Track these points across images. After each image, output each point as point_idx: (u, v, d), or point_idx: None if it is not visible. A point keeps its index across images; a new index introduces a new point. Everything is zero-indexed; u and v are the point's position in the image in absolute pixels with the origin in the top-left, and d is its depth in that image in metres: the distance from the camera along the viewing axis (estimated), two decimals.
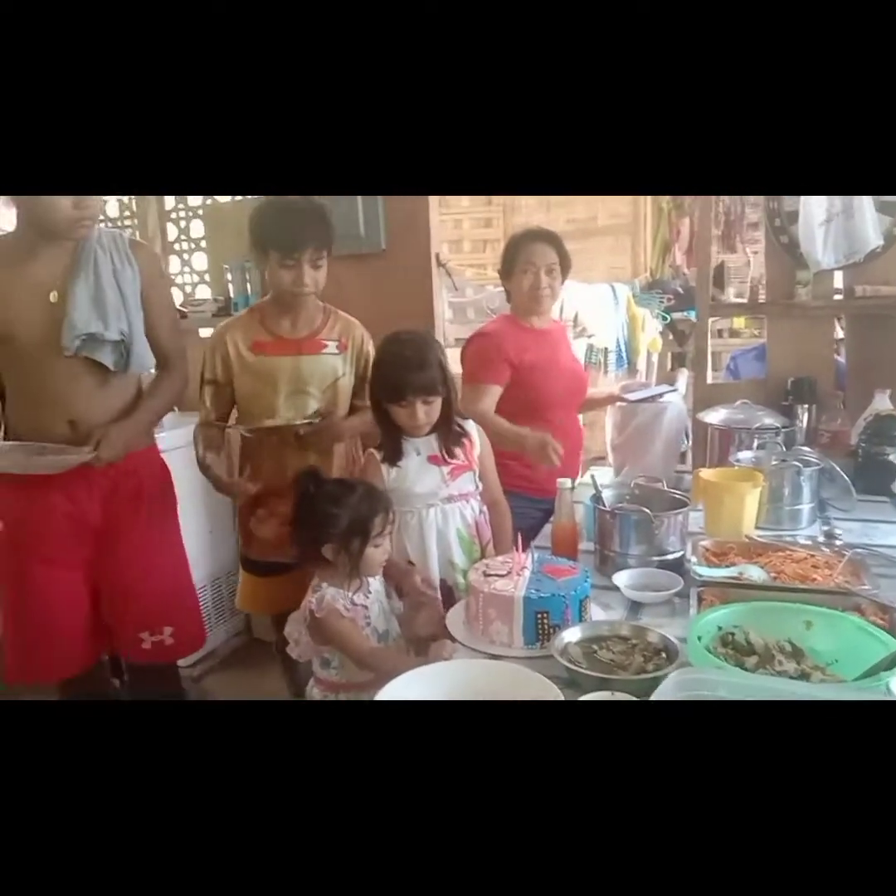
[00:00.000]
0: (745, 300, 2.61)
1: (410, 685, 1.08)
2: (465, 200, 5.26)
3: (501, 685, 1.09)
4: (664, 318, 4.00)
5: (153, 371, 1.87)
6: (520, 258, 2.08)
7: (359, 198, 2.73)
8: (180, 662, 2.79)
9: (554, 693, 1.03)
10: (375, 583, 1.56)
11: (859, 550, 1.57)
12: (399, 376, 1.63)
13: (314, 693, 1.56)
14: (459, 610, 1.46)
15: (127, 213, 3.37)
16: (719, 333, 4.50)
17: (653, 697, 0.87)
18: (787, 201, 2.33)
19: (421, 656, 1.37)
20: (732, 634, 1.17)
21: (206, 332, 3.25)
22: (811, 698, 0.89)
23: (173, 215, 3.30)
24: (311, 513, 1.50)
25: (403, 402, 1.64)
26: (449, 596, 1.68)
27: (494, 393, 2.07)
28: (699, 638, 1.12)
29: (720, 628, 1.18)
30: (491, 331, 2.12)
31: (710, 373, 3.34)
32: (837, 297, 2.35)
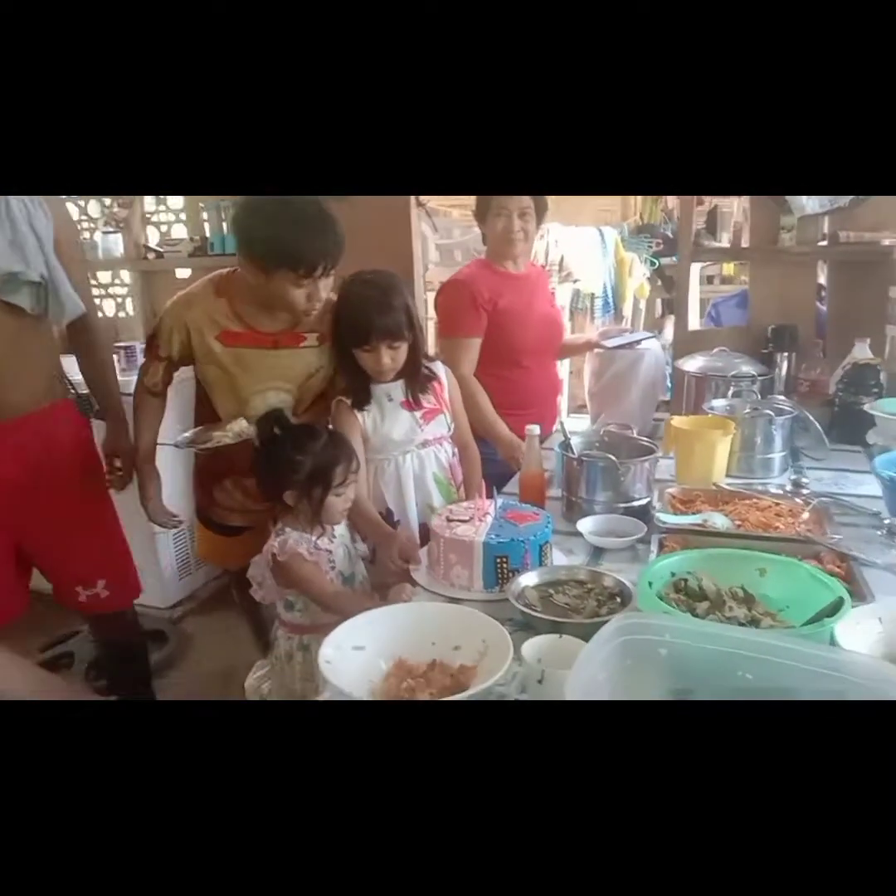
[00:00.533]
0: (727, 245, 2.57)
1: (363, 626, 1.09)
2: None
3: (452, 627, 1.09)
4: (652, 264, 3.94)
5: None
6: (493, 201, 2.02)
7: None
8: (160, 604, 2.84)
9: (502, 636, 1.04)
10: (340, 526, 1.56)
11: (824, 499, 1.57)
12: (363, 319, 1.59)
13: (279, 635, 1.58)
14: (422, 555, 1.47)
15: None
16: (709, 280, 4.45)
17: (592, 640, 0.88)
18: None
19: (382, 600, 1.37)
20: (685, 580, 1.17)
21: (183, 273, 3.19)
22: (752, 642, 0.90)
23: None
24: (274, 457, 1.48)
25: (367, 346, 1.60)
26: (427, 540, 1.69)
27: (474, 347, 2.03)
28: (650, 583, 1.12)
29: (673, 574, 1.18)
30: (464, 277, 2.08)
31: (696, 319, 3.32)
32: (821, 243, 2.31)
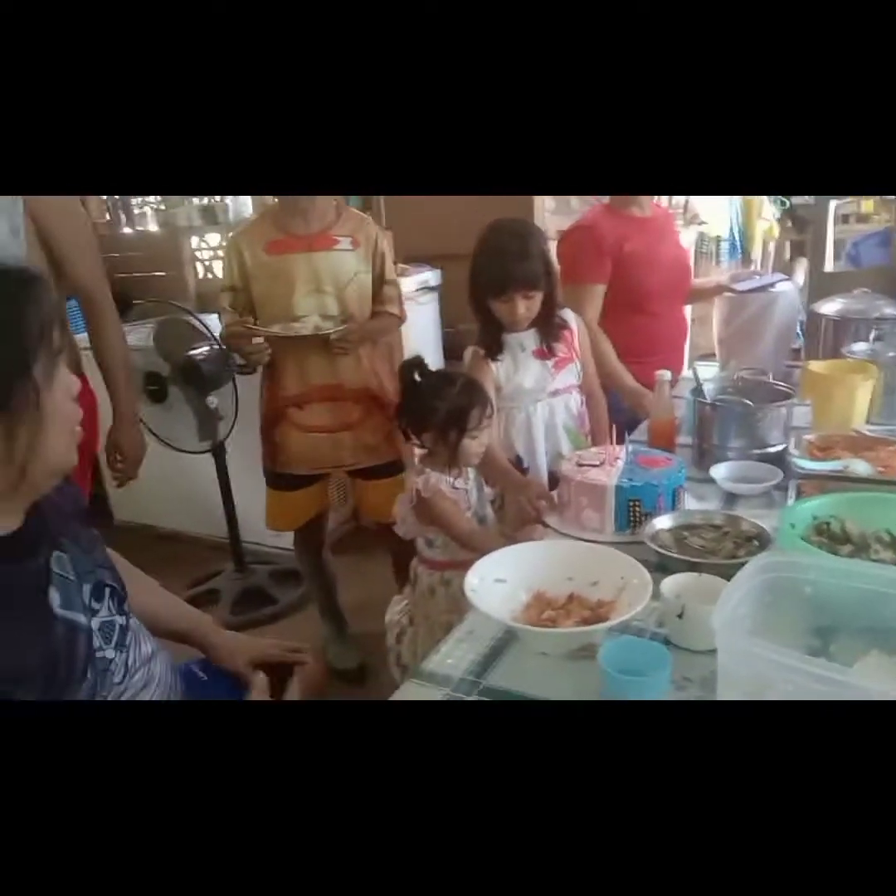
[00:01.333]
0: None
1: (504, 560, 1.15)
2: None
3: (590, 564, 1.13)
4: (783, 204, 3.73)
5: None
6: None
7: None
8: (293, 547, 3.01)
9: (640, 572, 1.07)
10: (472, 471, 1.62)
11: None
12: (500, 268, 1.62)
13: (419, 571, 1.66)
14: (552, 498, 1.51)
15: None
16: (844, 219, 4.15)
17: (736, 576, 0.89)
18: None
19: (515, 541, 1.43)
20: (828, 524, 1.16)
21: None
22: None
23: None
24: (413, 402, 1.56)
25: (504, 296, 1.64)
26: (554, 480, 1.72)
27: (598, 294, 2.02)
28: (792, 525, 1.12)
29: (815, 518, 1.17)
30: (588, 223, 2.06)
31: (831, 260, 3.14)
32: None
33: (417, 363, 1.58)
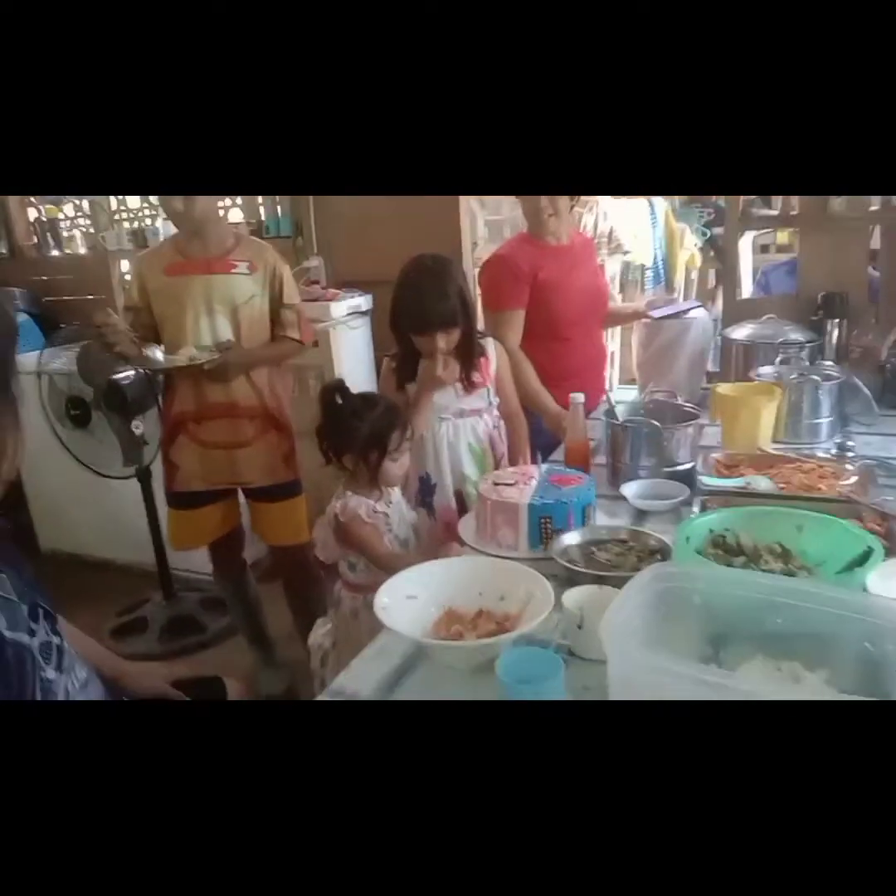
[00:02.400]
0: (777, 212, 2.55)
1: (415, 577, 1.17)
2: None
3: (498, 579, 1.16)
4: (704, 234, 3.90)
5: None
6: None
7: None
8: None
9: (544, 586, 1.10)
10: (396, 492, 1.65)
11: (868, 461, 1.58)
12: (419, 307, 1.67)
13: (342, 594, 1.67)
14: (470, 518, 1.54)
15: None
16: (764, 248, 4.37)
17: (626, 587, 0.93)
18: None
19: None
20: (724, 536, 1.21)
21: None
22: (784, 588, 0.94)
23: None
24: (334, 423, 1.58)
25: (423, 333, 1.68)
26: (463, 505, 1.76)
27: (517, 319, 2.08)
28: (687, 539, 1.17)
29: (712, 531, 1.23)
30: (505, 252, 2.13)
31: (747, 288, 3.29)
32: (873, 208, 2.28)
33: (338, 386, 1.60)
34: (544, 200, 2.04)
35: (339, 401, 1.58)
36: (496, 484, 1.48)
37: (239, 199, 3.32)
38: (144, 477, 2.58)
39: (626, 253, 3.56)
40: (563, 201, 2.08)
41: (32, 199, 3.80)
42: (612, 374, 3.72)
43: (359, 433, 1.54)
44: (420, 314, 1.67)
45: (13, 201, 3.84)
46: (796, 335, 2.17)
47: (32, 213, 3.91)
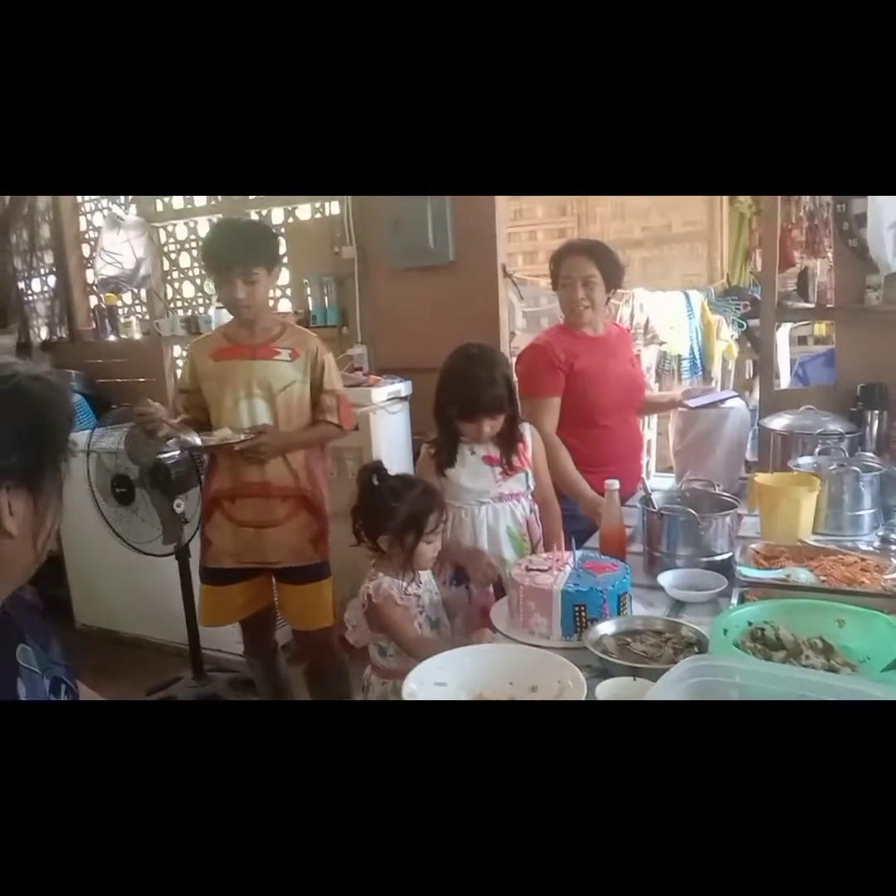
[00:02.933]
0: (812, 305, 2.57)
1: (445, 664, 1.16)
2: (539, 211, 5.33)
3: (530, 668, 1.15)
4: (740, 326, 3.94)
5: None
6: (560, 272, 2.15)
7: (428, 212, 2.84)
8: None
9: (577, 677, 1.08)
10: (426, 574, 1.65)
11: None
12: (468, 394, 1.72)
13: (372, 680, 1.65)
14: (503, 604, 1.53)
15: None
16: (801, 340, 4.39)
17: (660, 679, 0.91)
18: (856, 204, 2.29)
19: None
20: (763, 630, 1.19)
21: None
22: (822, 684, 0.91)
23: None
24: (371, 504, 1.60)
25: (472, 420, 1.72)
26: (501, 590, 1.75)
27: (554, 406, 2.12)
28: (725, 631, 1.15)
29: (751, 624, 1.20)
30: (543, 342, 2.18)
31: (785, 379, 3.29)
32: None
33: (375, 467, 1.63)
34: (580, 292, 2.10)
35: (376, 482, 1.61)
36: (529, 569, 1.47)
37: (288, 291, 3.47)
38: (182, 555, 2.61)
39: (662, 344, 3.61)
40: (599, 293, 2.14)
41: (94, 286, 4.02)
42: (648, 462, 3.71)
43: (396, 514, 1.55)
44: (470, 401, 1.72)
45: (76, 289, 4.07)
46: (835, 426, 2.15)
47: (93, 300, 4.12)
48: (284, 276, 3.50)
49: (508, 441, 1.81)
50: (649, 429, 3.68)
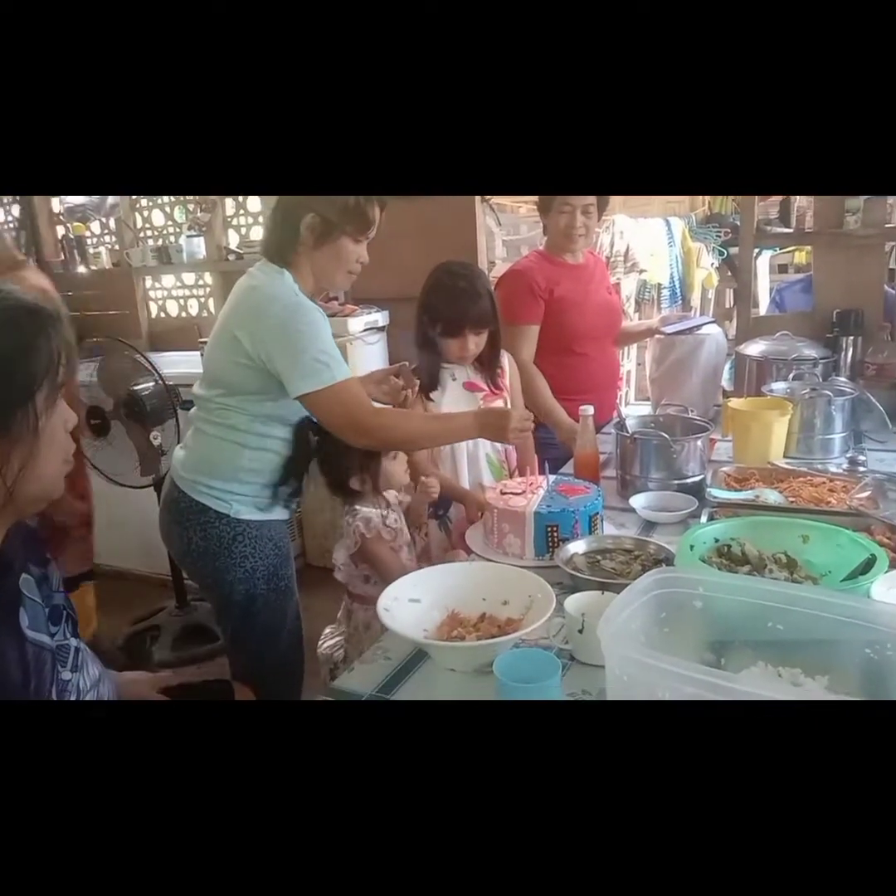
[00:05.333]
0: (791, 230, 2.55)
1: (419, 581, 1.18)
2: None
3: (502, 584, 1.17)
4: (721, 253, 3.91)
5: None
6: (558, 196, 2.08)
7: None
8: None
9: (546, 591, 1.11)
10: (392, 496, 1.65)
11: (879, 475, 1.57)
12: (453, 308, 1.69)
13: (353, 607, 1.67)
14: (478, 526, 1.55)
15: None
16: (781, 268, 4.37)
17: (625, 590, 0.94)
18: None
19: None
20: (729, 546, 1.21)
21: None
22: (785, 594, 0.94)
23: None
24: (326, 457, 1.57)
25: (457, 334, 1.70)
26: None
27: (532, 334, 2.10)
28: (691, 547, 1.17)
29: (717, 540, 1.23)
30: (523, 267, 2.15)
31: (764, 306, 3.29)
32: (889, 225, 2.28)
33: (309, 425, 1.54)
34: (580, 220, 2.05)
35: (315, 436, 1.54)
36: (503, 493, 1.49)
37: (260, 219, 3.38)
38: (161, 487, 2.61)
39: (642, 272, 3.58)
40: (595, 221, 2.10)
41: (61, 216, 3.90)
42: (626, 392, 3.72)
43: (351, 450, 1.50)
44: (455, 315, 1.70)
45: (42, 219, 3.94)
46: (810, 351, 2.16)
47: (60, 231, 4.00)
48: (256, 204, 3.41)
49: (491, 360, 1.80)
50: (628, 359, 3.69)
